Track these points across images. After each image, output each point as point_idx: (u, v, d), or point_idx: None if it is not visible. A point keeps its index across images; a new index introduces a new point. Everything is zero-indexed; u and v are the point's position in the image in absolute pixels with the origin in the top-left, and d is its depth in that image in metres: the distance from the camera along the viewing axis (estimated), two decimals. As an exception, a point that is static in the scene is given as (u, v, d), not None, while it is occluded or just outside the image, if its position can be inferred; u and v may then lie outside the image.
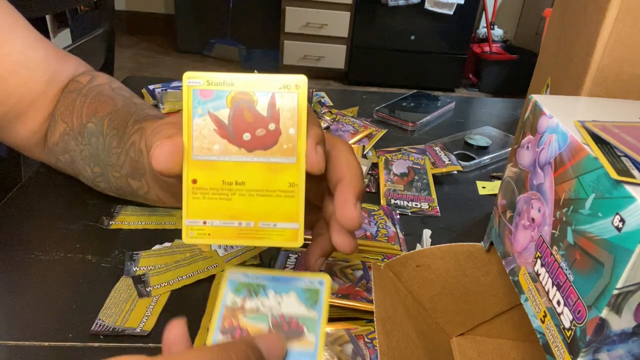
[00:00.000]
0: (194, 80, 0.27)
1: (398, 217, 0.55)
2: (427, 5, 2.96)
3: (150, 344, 0.38)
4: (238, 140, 0.27)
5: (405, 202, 0.59)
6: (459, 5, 2.96)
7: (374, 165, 0.66)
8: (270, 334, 0.26)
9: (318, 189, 0.33)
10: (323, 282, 0.29)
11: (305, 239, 0.30)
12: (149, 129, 0.37)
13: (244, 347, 0.24)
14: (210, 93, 0.27)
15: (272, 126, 0.27)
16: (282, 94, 0.27)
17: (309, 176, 0.30)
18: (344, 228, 0.29)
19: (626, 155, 0.24)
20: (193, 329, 0.39)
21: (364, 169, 0.63)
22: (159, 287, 0.43)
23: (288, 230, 0.28)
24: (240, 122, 0.27)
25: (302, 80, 0.27)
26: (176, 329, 0.26)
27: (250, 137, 0.27)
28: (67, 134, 0.48)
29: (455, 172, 0.65)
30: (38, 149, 0.53)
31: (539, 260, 0.29)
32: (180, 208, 0.28)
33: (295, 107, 0.27)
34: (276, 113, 0.27)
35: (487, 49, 3.29)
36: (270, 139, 0.27)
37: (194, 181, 0.28)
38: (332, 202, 0.30)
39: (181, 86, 0.82)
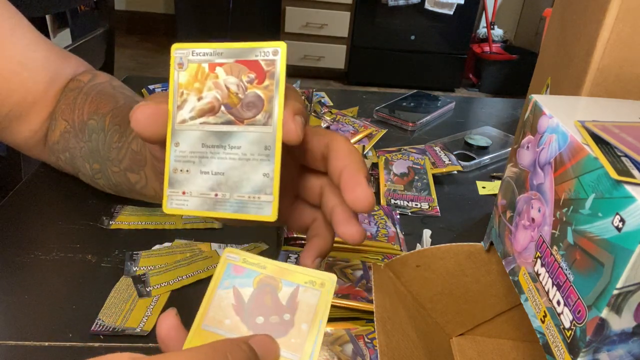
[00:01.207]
0: (232, 256, 0.28)
1: (398, 217, 0.55)
2: (427, 5, 2.96)
3: (150, 344, 0.38)
4: (251, 321, 0.27)
5: (405, 202, 0.59)
6: (459, 5, 2.96)
7: (374, 165, 0.66)
8: (263, 335, 0.26)
9: (312, 187, 0.32)
10: (332, 281, 0.28)
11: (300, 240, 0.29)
12: None
13: (241, 346, 0.24)
14: (242, 270, 0.28)
15: (286, 317, 0.27)
16: (307, 288, 0.27)
17: (302, 177, 0.30)
18: (357, 210, 0.28)
19: (626, 155, 0.24)
20: (193, 329, 0.39)
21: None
22: (158, 287, 0.43)
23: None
24: (259, 305, 0.27)
25: (328, 278, 0.28)
26: (166, 321, 0.25)
27: (262, 322, 0.27)
28: (68, 132, 0.48)
29: (455, 172, 0.65)
30: (39, 148, 0.53)
31: (539, 260, 0.29)
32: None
33: (315, 305, 0.27)
34: (294, 305, 0.27)
35: (487, 49, 3.29)
36: (282, 328, 0.27)
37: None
38: (334, 195, 0.30)
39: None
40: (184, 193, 0.29)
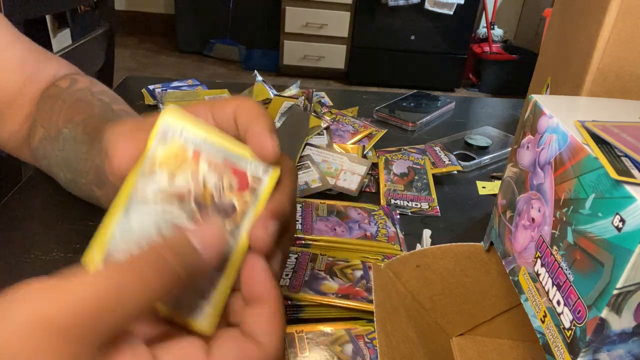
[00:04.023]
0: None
1: (398, 217, 0.55)
2: (427, 5, 2.96)
3: (150, 344, 0.38)
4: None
5: (405, 202, 0.59)
6: (459, 5, 2.96)
7: (374, 165, 0.66)
8: (206, 225, 0.24)
9: None
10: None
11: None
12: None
13: (160, 257, 0.21)
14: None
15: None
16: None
17: None
18: (265, 158, 0.27)
19: (626, 155, 0.24)
20: (193, 329, 0.39)
21: (364, 169, 0.63)
22: (159, 287, 0.43)
23: None
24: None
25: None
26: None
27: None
28: (45, 139, 0.47)
29: (455, 172, 0.65)
30: (23, 150, 0.52)
31: (539, 260, 0.29)
32: None
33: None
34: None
35: (487, 49, 3.29)
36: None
37: None
38: (245, 118, 0.28)
39: (181, 85, 0.83)
40: None
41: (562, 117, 0.29)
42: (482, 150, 0.73)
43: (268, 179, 0.26)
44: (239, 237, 0.26)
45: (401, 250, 0.50)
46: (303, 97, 0.75)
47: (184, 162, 0.26)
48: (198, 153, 0.26)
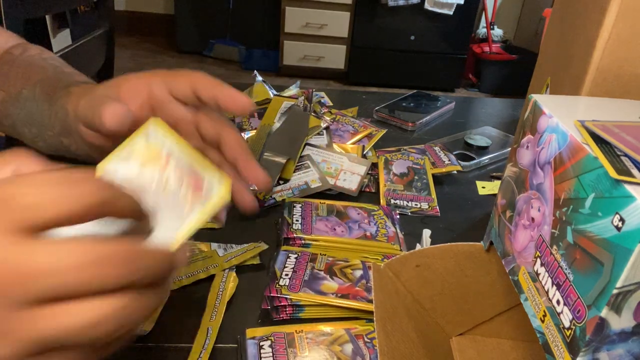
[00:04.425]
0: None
1: (398, 217, 0.55)
2: (427, 5, 2.96)
3: (149, 344, 0.38)
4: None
5: (405, 202, 0.59)
6: (458, 5, 2.96)
7: (374, 165, 0.66)
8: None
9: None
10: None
11: None
12: (76, 93, 0.43)
13: (94, 183, 0.23)
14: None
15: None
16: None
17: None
18: (258, 185, 0.38)
19: (626, 155, 0.24)
20: (193, 329, 0.39)
21: (364, 169, 0.63)
22: (158, 286, 0.43)
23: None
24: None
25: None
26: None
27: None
28: (6, 101, 0.50)
29: (455, 172, 0.65)
30: None
31: (538, 260, 0.29)
32: None
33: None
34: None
35: (487, 49, 3.29)
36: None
37: None
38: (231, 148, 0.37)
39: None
40: None
41: (562, 116, 0.29)
42: (482, 150, 0.73)
43: (215, 197, 0.30)
44: (184, 229, 0.29)
45: (401, 250, 0.50)
46: (303, 97, 0.75)
47: (156, 160, 0.30)
48: (169, 157, 0.30)
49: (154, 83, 0.38)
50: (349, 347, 0.38)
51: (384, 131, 0.74)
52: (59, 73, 0.50)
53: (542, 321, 0.28)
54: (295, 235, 0.49)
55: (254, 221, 0.54)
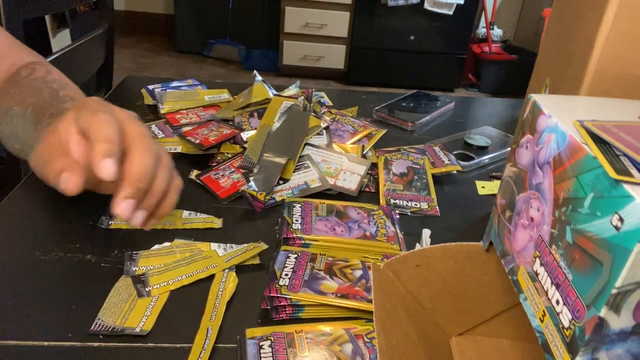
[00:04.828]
0: None
1: (397, 217, 0.55)
2: (427, 5, 2.96)
3: (150, 344, 0.38)
4: None
5: (405, 202, 0.59)
6: (458, 5, 2.96)
7: (374, 165, 0.66)
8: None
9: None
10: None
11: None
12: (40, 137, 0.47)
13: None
14: None
15: None
16: None
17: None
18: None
19: (625, 155, 0.24)
20: (193, 329, 0.39)
21: (363, 168, 0.63)
22: (158, 287, 0.43)
23: None
24: None
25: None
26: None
27: None
28: None
29: (455, 172, 0.65)
30: None
31: (538, 260, 0.29)
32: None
33: None
34: None
35: (486, 49, 3.29)
36: None
37: None
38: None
39: (181, 85, 0.83)
40: None
41: (561, 116, 0.29)
42: (482, 150, 0.73)
43: None
44: None
45: (400, 250, 0.50)
46: (302, 97, 0.75)
47: None
48: None
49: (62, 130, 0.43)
50: (348, 347, 0.38)
51: (384, 131, 0.74)
52: (53, 97, 0.54)
53: (542, 321, 0.28)
54: (295, 235, 0.49)
55: (254, 221, 0.54)
